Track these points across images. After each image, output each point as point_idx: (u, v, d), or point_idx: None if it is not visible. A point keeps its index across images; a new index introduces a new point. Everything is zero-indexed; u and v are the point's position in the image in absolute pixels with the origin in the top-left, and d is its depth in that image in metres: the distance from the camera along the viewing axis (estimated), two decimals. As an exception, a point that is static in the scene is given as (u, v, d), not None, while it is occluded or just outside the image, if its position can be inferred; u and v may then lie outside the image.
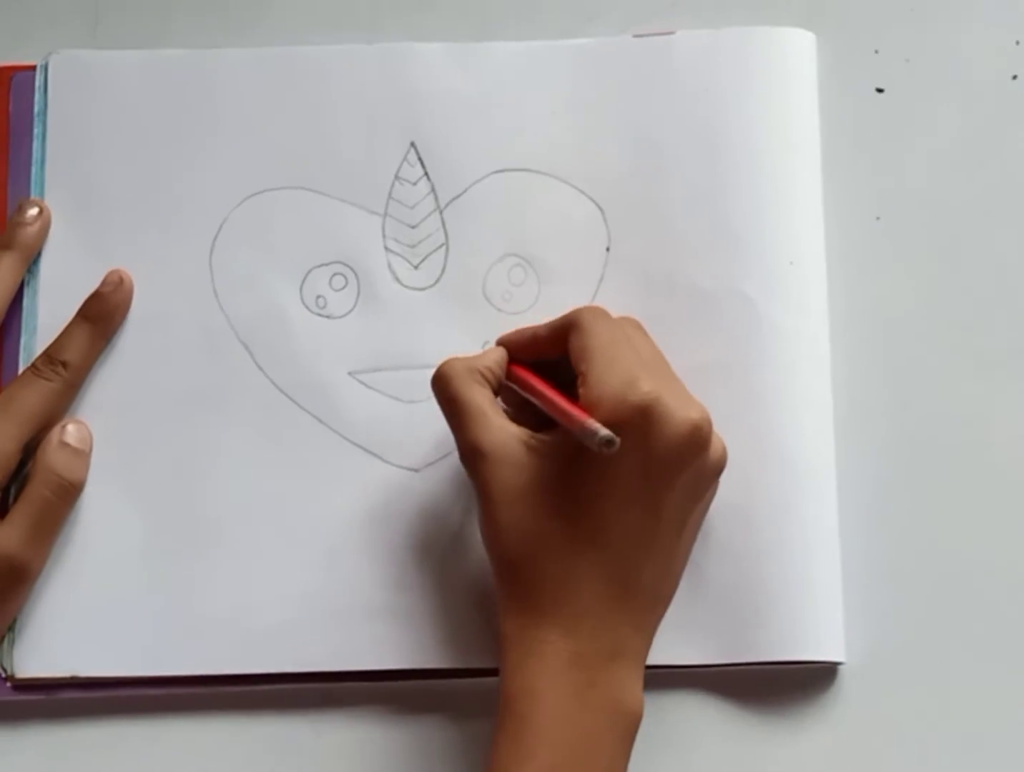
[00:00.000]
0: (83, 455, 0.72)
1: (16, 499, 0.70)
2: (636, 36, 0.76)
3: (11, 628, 0.70)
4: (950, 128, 0.76)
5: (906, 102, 0.76)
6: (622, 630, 0.64)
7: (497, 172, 0.75)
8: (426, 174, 0.75)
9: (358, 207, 0.74)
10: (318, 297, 0.74)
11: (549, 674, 0.63)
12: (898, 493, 0.72)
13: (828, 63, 0.75)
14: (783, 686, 0.70)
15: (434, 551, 0.71)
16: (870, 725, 0.70)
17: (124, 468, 0.72)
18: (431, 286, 0.74)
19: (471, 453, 0.66)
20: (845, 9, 0.77)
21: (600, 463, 0.63)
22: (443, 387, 0.67)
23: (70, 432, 0.71)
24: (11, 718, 0.71)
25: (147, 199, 0.75)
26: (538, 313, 0.72)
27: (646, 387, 0.63)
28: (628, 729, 0.64)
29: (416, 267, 0.74)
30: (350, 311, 0.74)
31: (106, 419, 0.73)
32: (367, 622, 0.70)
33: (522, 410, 0.68)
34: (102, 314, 0.73)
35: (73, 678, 0.70)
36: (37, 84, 0.76)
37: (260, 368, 0.73)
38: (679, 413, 0.64)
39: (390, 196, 0.75)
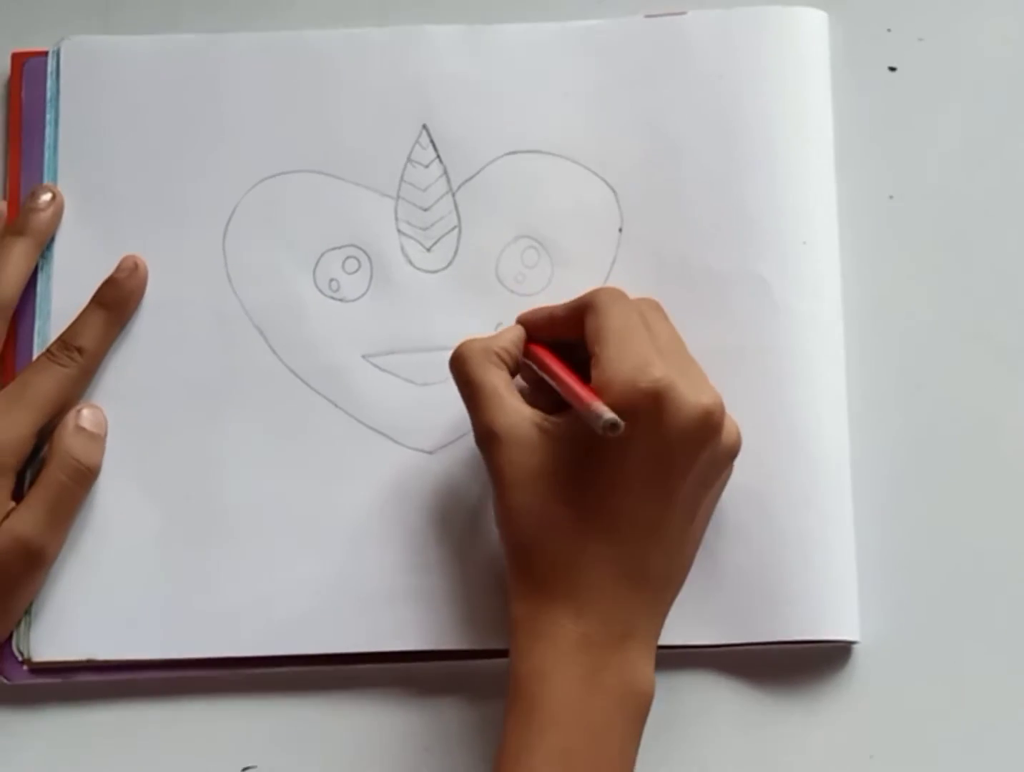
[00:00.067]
0: (99, 439, 0.72)
1: (32, 484, 0.71)
2: (648, 16, 0.75)
3: (28, 611, 0.71)
4: (963, 107, 0.75)
5: (919, 81, 0.76)
6: (633, 613, 0.64)
7: (509, 154, 0.75)
8: (438, 156, 0.75)
9: (370, 190, 0.75)
10: (331, 280, 0.74)
11: (559, 656, 0.63)
12: (912, 475, 0.72)
13: (840, 42, 0.75)
14: (797, 666, 0.70)
15: (450, 533, 0.71)
16: (884, 705, 0.70)
17: (139, 453, 0.72)
18: (444, 268, 0.74)
19: (485, 435, 0.66)
20: (857, -12, 0.77)
21: (612, 447, 0.63)
22: (460, 369, 0.67)
23: (86, 416, 0.72)
24: (28, 701, 0.71)
25: (160, 184, 0.75)
26: (551, 295, 0.72)
27: (658, 373, 0.63)
28: (639, 710, 0.64)
29: (429, 249, 0.74)
30: (363, 294, 0.74)
31: (120, 404, 0.73)
32: (383, 604, 0.70)
33: (539, 389, 0.68)
34: (117, 300, 0.73)
35: (89, 661, 0.70)
36: (49, 70, 0.76)
37: (274, 352, 0.73)
38: (691, 398, 0.63)
39: (402, 179, 0.75)
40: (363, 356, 0.73)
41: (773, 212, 0.73)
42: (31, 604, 0.71)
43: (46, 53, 0.76)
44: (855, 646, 0.70)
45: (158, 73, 0.76)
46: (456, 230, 0.74)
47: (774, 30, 0.75)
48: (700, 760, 0.70)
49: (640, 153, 0.74)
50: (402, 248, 0.74)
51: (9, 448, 0.70)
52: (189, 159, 0.75)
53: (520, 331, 0.70)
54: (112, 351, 0.73)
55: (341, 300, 0.74)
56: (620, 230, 0.74)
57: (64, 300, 0.73)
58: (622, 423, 0.61)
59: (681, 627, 0.68)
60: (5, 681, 0.71)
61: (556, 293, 0.71)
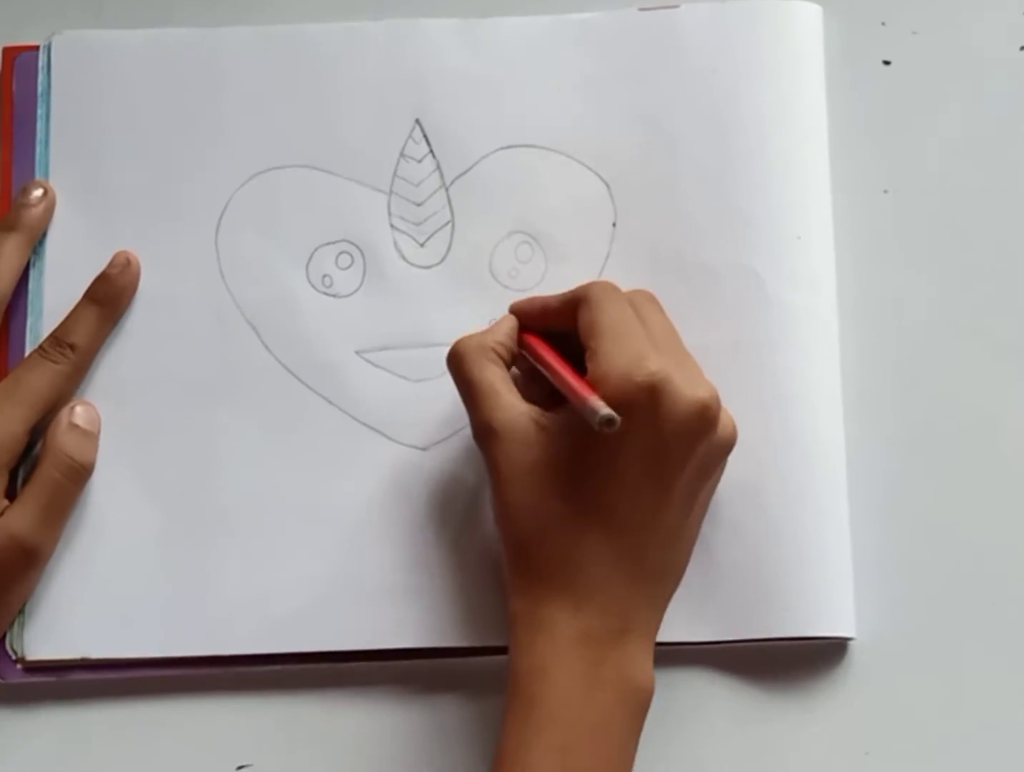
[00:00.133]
0: (92, 437, 0.72)
1: (26, 482, 0.70)
2: (641, 9, 0.75)
3: (22, 610, 0.71)
4: (958, 100, 0.75)
5: (913, 74, 0.76)
6: (632, 607, 0.65)
7: (503, 148, 0.74)
8: (431, 151, 0.74)
9: (363, 185, 0.74)
10: (324, 276, 0.74)
11: (558, 652, 0.63)
12: (908, 469, 0.72)
13: (835, 35, 0.75)
14: (793, 663, 0.70)
15: (444, 529, 0.71)
16: (880, 701, 0.70)
17: (133, 450, 0.72)
18: (437, 264, 0.74)
19: (482, 431, 0.66)
20: (852, -19, 0.77)
21: (609, 442, 0.62)
22: (457, 366, 0.67)
23: (79, 414, 0.71)
24: (22, 700, 0.71)
25: (152, 179, 0.75)
26: (545, 290, 0.72)
27: (653, 366, 0.63)
28: (639, 706, 0.64)
29: (422, 245, 0.74)
30: (356, 290, 0.74)
31: (113, 401, 0.73)
32: (379, 601, 0.70)
33: (533, 378, 0.68)
34: (109, 296, 0.73)
35: (84, 660, 0.70)
36: (41, 64, 0.76)
37: (267, 348, 0.73)
38: (687, 392, 0.64)
39: (395, 174, 0.74)
40: (356, 352, 0.73)
41: (767, 206, 0.73)
42: (25, 603, 0.71)
43: (37, 47, 0.76)
44: (851, 642, 0.70)
45: (151, 68, 0.75)
46: (449, 225, 0.74)
47: (768, 23, 0.74)
48: (696, 757, 0.70)
49: (634, 147, 0.74)
50: (395, 243, 0.74)
51: (1, 446, 0.70)
52: (182, 154, 0.75)
53: (513, 321, 0.69)
54: (105, 347, 0.73)
55: (334, 296, 0.74)
56: (614, 225, 0.74)
57: (56, 296, 0.73)
58: (618, 418, 0.61)
59: (676, 624, 0.68)
60: (-1, 680, 0.71)
61: (550, 288, 0.71)
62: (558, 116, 0.74)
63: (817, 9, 0.75)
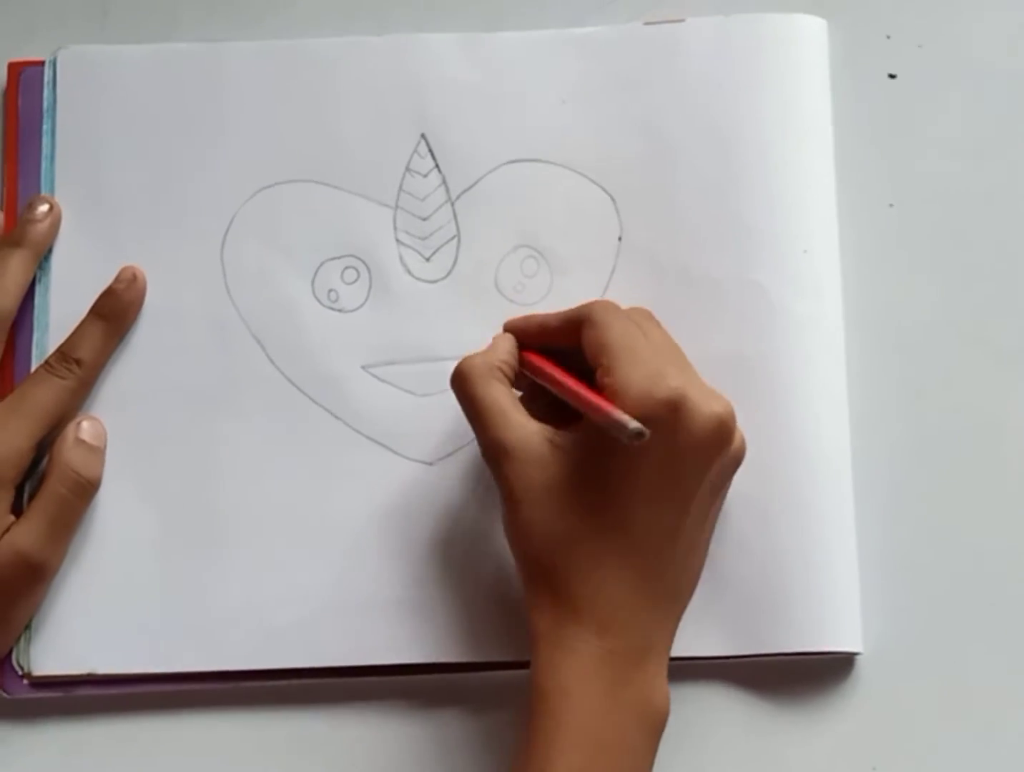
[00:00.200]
0: (99, 452, 0.72)
1: (32, 497, 0.70)
2: (646, 24, 0.75)
3: (28, 626, 0.71)
4: (963, 113, 0.75)
5: (918, 88, 0.75)
6: (651, 626, 0.64)
7: (508, 163, 0.74)
8: (436, 166, 0.74)
9: (369, 200, 0.74)
10: (330, 291, 0.74)
11: (583, 672, 0.63)
12: (914, 482, 0.72)
13: (839, 49, 0.75)
14: (799, 677, 0.70)
15: (449, 544, 0.71)
16: (887, 716, 0.70)
17: (138, 464, 0.72)
18: (443, 278, 0.74)
19: (494, 452, 0.65)
20: (856, -6, 0.76)
21: (625, 458, 0.63)
22: (462, 386, 0.67)
23: (85, 429, 0.71)
24: (29, 715, 0.71)
25: (158, 194, 0.75)
26: (550, 304, 0.72)
27: (674, 382, 0.63)
28: (656, 727, 0.64)
29: (428, 259, 0.74)
30: (362, 304, 0.74)
31: (120, 416, 0.73)
32: (383, 616, 0.70)
33: (534, 396, 0.68)
34: (115, 311, 0.73)
35: (90, 675, 0.70)
36: (46, 79, 0.76)
37: (273, 363, 0.73)
38: (705, 407, 0.64)
39: (401, 188, 0.74)
40: (362, 366, 0.73)
41: (773, 220, 0.73)
42: (32, 618, 0.71)
43: (43, 63, 0.76)
44: (858, 657, 0.70)
45: (155, 82, 0.75)
46: (455, 240, 0.74)
47: (773, 37, 0.74)
48: (702, 770, 0.69)
49: (639, 161, 0.74)
50: (401, 258, 0.74)
51: (8, 461, 0.70)
52: (186, 169, 0.75)
53: (513, 340, 0.69)
54: (111, 361, 0.73)
55: (340, 310, 0.74)
56: (620, 239, 0.73)
57: (62, 311, 0.73)
58: (648, 432, 0.60)
59: (687, 638, 0.68)
60: (5, 695, 0.71)
61: (555, 302, 0.71)
62: (563, 130, 0.74)
63: (822, 23, 0.75)
